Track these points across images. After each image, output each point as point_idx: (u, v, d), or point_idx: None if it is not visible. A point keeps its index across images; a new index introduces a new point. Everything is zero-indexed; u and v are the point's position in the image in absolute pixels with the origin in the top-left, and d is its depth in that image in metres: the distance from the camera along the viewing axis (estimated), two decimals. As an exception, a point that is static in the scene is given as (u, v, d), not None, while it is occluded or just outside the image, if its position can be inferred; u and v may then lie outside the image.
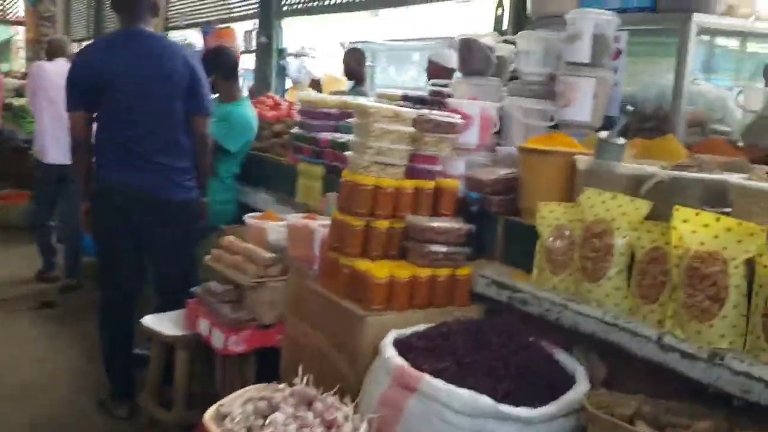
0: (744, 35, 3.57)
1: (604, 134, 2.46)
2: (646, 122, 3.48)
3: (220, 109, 4.62)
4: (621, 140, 2.45)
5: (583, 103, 3.31)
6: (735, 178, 2.08)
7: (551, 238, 2.49)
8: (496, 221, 2.84)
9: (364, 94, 5.79)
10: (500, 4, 6.18)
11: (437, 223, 2.68)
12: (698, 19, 3.18)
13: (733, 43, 3.77)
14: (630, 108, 2.48)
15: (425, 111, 2.81)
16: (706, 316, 1.96)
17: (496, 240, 2.85)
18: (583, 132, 3.32)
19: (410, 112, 2.78)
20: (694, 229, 2.02)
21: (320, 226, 2.92)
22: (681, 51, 3.21)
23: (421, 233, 2.67)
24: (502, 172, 2.88)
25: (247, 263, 3.23)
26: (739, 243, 1.93)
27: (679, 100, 3.25)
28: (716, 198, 2.20)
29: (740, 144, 3.51)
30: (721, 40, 3.79)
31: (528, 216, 2.74)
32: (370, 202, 2.70)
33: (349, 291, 2.63)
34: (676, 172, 2.23)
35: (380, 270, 2.56)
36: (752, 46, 3.73)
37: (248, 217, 3.58)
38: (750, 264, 1.92)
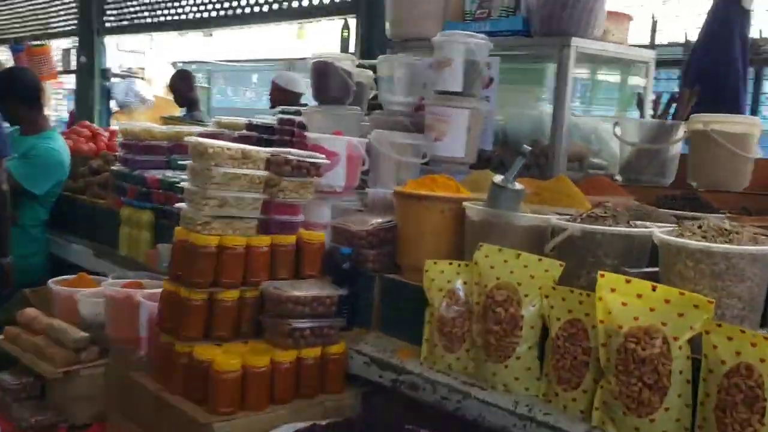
0: (619, 62, 3.39)
1: (498, 178, 2.07)
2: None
3: (21, 142, 3.79)
4: (518, 185, 2.06)
5: (455, 136, 2.94)
6: (665, 233, 1.75)
7: (444, 305, 2.05)
8: (373, 281, 2.36)
9: (199, 121, 5.13)
10: (346, 26, 5.79)
11: (302, 291, 2.15)
12: (577, 43, 2.92)
13: (605, 70, 3.62)
14: (527, 147, 2.09)
15: (281, 150, 2.27)
16: (645, 409, 1.59)
17: (374, 304, 2.36)
18: (458, 169, 2.95)
19: (262, 151, 2.24)
20: (624, 300, 1.65)
21: (147, 297, 2.28)
22: (560, 78, 2.94)
23: (282, 305, 2.12)
24: (377, 220, 2.41)
25: (52, 346, 2.50)
26: (681, 317, 1.58)
27: (560, 132, 2.97)
28: (637, 256, 1.87)
29: (618, 178, 3.31)
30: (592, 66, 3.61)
31: (411, 274, 2.28)
32: (212, 267, 2.12)
33: (188, 388, 2.03)
34: (591, 226, 1.87)
35: (229, 359, 1.98)
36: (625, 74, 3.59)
37: (54, 282, 2.82)
38: (695, 343, 1.58)
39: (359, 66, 3.50)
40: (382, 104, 3.34)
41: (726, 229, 1.69)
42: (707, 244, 1.63)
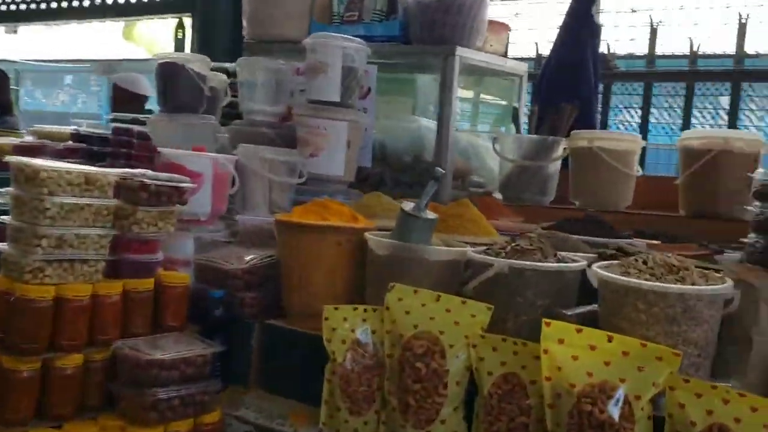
0: (496, 75, 3.25)
1: (408, 205, 1.78)
2: (403, 175, 2.93)
3: None
4: (431, 214, 1.79)
5: (334, 152, 2.63)
6: (607, 270, 1.55)
7: (348, 359, 1.71)
8: (252, 329, 1.97)
9: (13, 128, 4.36)
10: (181, 26, 5.26)
11: (167, 352, 1.72)
12: (461, 53, 2.72)
13: (482, 83, 3.47)
14: (440, 170, 1.81)
15: (135, 172, 1.82)
16: (604, 481, 1.36)
17: (253, 357, 1.97)
18: (336, 189, 2.64)
19: (110, 174, 1.77)
20: (575, 352, 1.42)
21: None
22: (444, 90, 2.72)
23: (141, 370, 1.68)
24: (253, 255, 2.02)
25: None
26: (641, 372, 1.37)
27: (445, 148, 2.75)
28: (567, 294, 1.66)
29: (497, 197, 3.17)
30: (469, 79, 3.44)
31: (300, 320, 1.93)
32: (47, 327, 1.63)
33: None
34: (520, 262, 1.63)
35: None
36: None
37: None
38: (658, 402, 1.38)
39: (213, 69, 3.08)
40: (242, 113, 2.94)
41: (674, 266, 1.52)
42: (662, 284, 1.44)
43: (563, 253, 1.76)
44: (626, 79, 4.96)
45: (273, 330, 1.97)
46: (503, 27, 3.17)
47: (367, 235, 1.86)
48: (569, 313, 1.59)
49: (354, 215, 1.97)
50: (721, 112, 4.28)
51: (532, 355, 1.52)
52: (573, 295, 1.69)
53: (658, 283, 1.45)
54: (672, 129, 5.15)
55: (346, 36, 2.66)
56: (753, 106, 4.63)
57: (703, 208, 2.57)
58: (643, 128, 4.70)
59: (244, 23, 3.24)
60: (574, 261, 1.69)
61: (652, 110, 4.48)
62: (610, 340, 1.41)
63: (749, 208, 1.72)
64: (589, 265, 1.65)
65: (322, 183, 2.63)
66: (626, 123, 5.21)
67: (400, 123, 3.21)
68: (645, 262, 1.54)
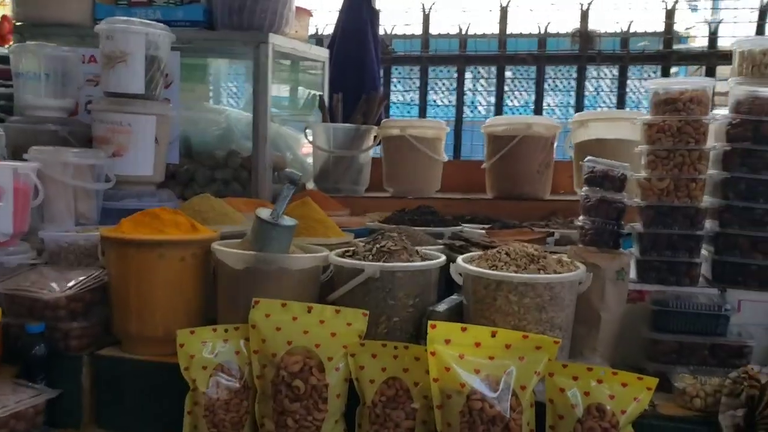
0: (304, 60, 3.16)
1: (264, 212, 1.65)
2: (217, 171, 2.74)
3: None
4: (289, 220, 1.68)
5: (141, 150, 2.39)
6: (474, 264, 1.58)
7: (212, 386, 1.56)
8: (80, 364, 1.72)
9: None
10: None
11: (-10, 409, 1.42)
12: (274, 40, 2.60)
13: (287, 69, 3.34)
14: (296, 173, 1.70)
15: None
16: (497, 471, 1.40)
17: (84, 395, 1.72)
18: (145, 191, 2.39)
19: None
20: (462, 351, 1.43)
21: None
22: (259, 79, 2.59)
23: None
24: (73, 279, 1.76)
25: None
26: (523, 362, 1.42)
27: (263, 141, 2.62)
28: (430, 290, 1.68)
29: (312, 187, 3.11)
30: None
31: (141, 347, 1.72)
32: None
33: None
34: (391, 264, 1.60)
35: None
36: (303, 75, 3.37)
37: None
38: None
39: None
40: (20, 109, 2.53)
41: (534, 255, 1.59)
42: (533, 276, 1.51)
43: (422, 249, 1.77)
44: (403, 63, 5.15)
45: (107, 362, 1.73)
46: (305, 12, 3.10)
47: (215, 247, 1.70)
48: (440, 309, 1.60)
49: (193, 225, 1.79)
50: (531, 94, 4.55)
51: (412, 357, 1.51)
52: (435, 289, 1.70)
53: (529, 275, 1.51)
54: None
55: (146, 21, 2.40)
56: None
57: (510, 189, 2.75)
58: (422, 109, 4.92)
59: (11, 2, 2.78)
60: (436, 257, 1.71)
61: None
62: (493, 335, 1.44)
63: (580, 192, 1.86)
64: (453, 261, 1.68)
65: (129, 186, 2.37)
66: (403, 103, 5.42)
67: (205, 114, 3.00)
68: (508, 254, 1.59)
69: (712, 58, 3.62)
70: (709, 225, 1.75)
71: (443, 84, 5.47)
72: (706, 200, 1.74)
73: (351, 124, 2.99)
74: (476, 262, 1.63)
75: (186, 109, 2.95)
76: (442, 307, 1.62)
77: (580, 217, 1.86)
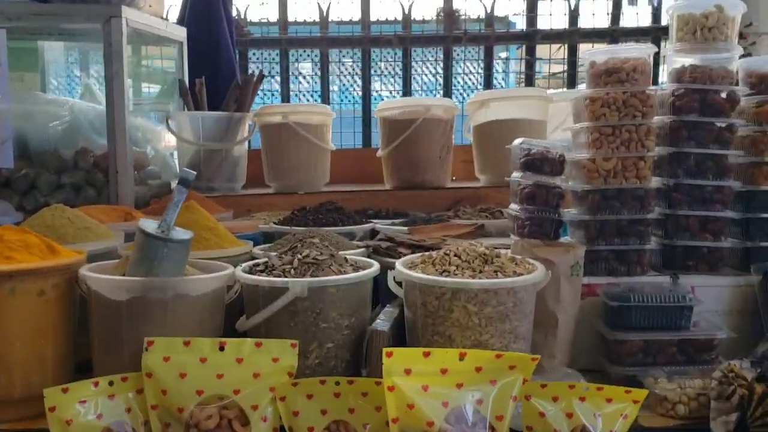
0: (156, 41, 2.72)
1: (149, 225, 1.28)
2: (65, 175, 2.27)
3: None
4: (182, 232, 1.33)
5: (-35, 153, 1.90)
6: (414, 270, 1.32)
7: (96, 461, 1.19)
8: None
9: None
10: None
11: None
12: (128, 15, 2.18)
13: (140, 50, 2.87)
14: (190, 172, 1.33)
15: None
16: None
17: None
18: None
19: None
20: (425, 381, 1.17)
21: None
22: (112, 62, 2.16)
23: None
24: None
25: None
26: (494, 387, 1.19)
27: (121, 135, 2.20)
28: (364, 305, 1.41)
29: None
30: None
31: (-10, 416, 1.30)
32: None
33: None
34: (323, 278, 1.31)
35: None
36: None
37: None
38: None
39: None
40: None
41: (486, 255, 1.37)
42: (495, 281, 1.28)
43: (350, 256, 1.48)
44: (261, 46, 4.79)
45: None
46: (161, -16, 2.68)
47: (86, 273, 1.31)
48: (383, 328, 1.33)
49: (49, 245, 1.38)
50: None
51: (358, 393, 1.23)
52: (369, 303, 1.43)
53: (491, 280, 1.28)
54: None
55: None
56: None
57: (410, 178, 2.53)
58: (285, 97, 4.58)
59: None
60: (369, 265, 1.43)
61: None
62: (462, 357, 1.19)
63: (513, 178, 1.66)
64: (390, 268, 1.41)
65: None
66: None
67: (42, 107, 2.49)
68: (458, 256, 1.35)
69: (574, 36, 3.63)
70: (656, 207, 1.61)
71: (304, 68, 5.15)
72: (654, 181, 1.59)
73: (222, 111, 2.62)
74: (421, 267, 1.37)
75: (15, 101, 2.44)
76: (384, 325, 1.35)
77: (513, 206, 1.67)
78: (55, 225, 1.60)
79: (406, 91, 3.78)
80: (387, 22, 4.60)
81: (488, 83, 3.75)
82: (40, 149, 2.34)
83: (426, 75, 4.74)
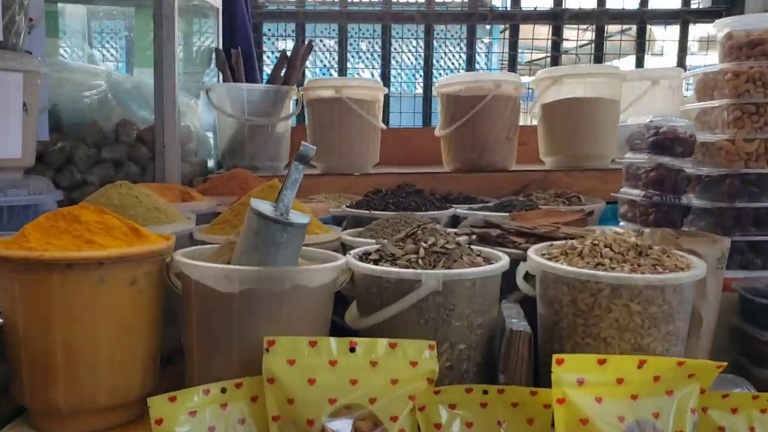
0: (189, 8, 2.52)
1: (263, 204, 1.10)
2: (105, 149, 2.07)
3: None
4: (299, 215, 1.15)
5: (5, 121, 1.70)
6: (575, 266, 1.16)
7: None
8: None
9: None
10: None
11: None
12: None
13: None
14: (309, 146, 1.14)
15: None
16: None
17: None
18: (16, 182, 1.73)
19: None
20: (599, 393, 1.02)
21: None
22: (162, 24, 1.97)
23: None
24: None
25: None
26: (670, 398, 1.04)
27: (170, 109, 2.01)
28: (494, 302, 1.25)
29: (211, 164, 2.53)
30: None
31: (73, 423, 1.13)
32: None
33: None
34: (455, 271, 1.14)
35: None
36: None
37: None
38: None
39: None
40: None
41: (639, 246, 1.21)
42: (661, 276, 1.13)
43: (476, 247, 1.33)
44: (277, 19, 4.58)
45: (14, 450, 1.12)
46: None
47: (186, 261, 1.14)
48: (525, 328, 1.17)
49: (133, 228, 1.20)
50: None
51: (508, 404, 1.07)
52: (497, 299, 1.27)
53: (658, 276, 1.12)
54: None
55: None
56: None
57: (475, 160, 2.37)
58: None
59: None
60: (497, 257, 1.27)
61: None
62: (640, 365, 1.04)
63: (631, 160, 1.51)
64: (522, 260, 1.26)
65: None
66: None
67: (70, 74, 2.28)
68: (609, 247, 1.20)
69: (602, 16, 3.49)
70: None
71: (324, 45, 4.95)
72: (799, 165, 1.45)
73: (271, 84, 2.44)
74: (561, 258, 1.21)
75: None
76: (523, 324, 1.19)
77: (630, 191, 1.52)
78: (123, 204, 1.41)
79: (427, 71, 3.60)
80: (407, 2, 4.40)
81: (513, 64, 3.60)
82: (72, 121, 2.14)
83: (451, 54, 4.57)
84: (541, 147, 2.49)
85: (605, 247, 1.20)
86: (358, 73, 3.83)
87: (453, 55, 4.02)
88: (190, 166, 2.28)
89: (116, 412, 1.14)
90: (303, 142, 1.14)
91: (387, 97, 3.16)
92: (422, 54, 3.33)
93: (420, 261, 1.18)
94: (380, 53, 3.45)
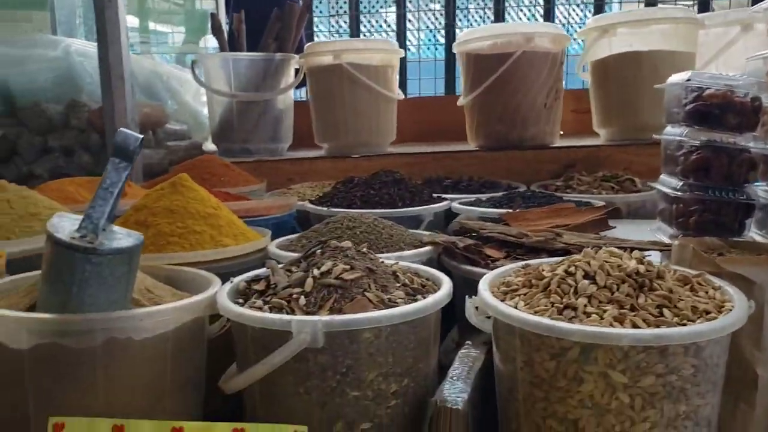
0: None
1: (64, 222, 0.80)
2: (53, 136, 1.84)
3: None
4: (129, 236, 0.83)
5: None
6: (523, 303, 0.78)
7: None
8: None
9: None
10: None
11: None
12: None
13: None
14: (132, 135, 0.83)
15: None
16: None
17: None
18: None
19: None
20: None
21: None
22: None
23: None
24: None
25: None
26: None
27: (118, 84, 1.74)
28: (424, 350, 0.89)
29: (209, 149, 2.25)
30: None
31: None
32: None
33: None
34: (344, 318, 0.79)
35: None
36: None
37: None
38: None
39: None
40: None
41: (639, 272, 0.81)
42: (661, 331, 0.73)
43: (405, 264, 0.96)
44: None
45: None
46: None
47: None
48: (457, 404, 0.80)
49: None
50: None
51: None
52: (434, 350, 0.91)
53: (652, 331, 0.72)
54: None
55: None
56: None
57: (506, 134, 1.96)
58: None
59: None
60: (438, 283, 0.91)
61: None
62: None
63: (668, 135, 1.09)
64: (471, 284, 0.88)
65: None
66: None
67: (31, 50, 2.05)
68: (591, 277, 0.80)
69: None
70: None
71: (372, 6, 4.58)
72: None
73: (261, 52, 2.12)
74: (524, 294, 0.83)
75: (5, 44, 2.03)
76: (458, 394, 0.82)
77: (668, 180, 1.10)
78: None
79: (449, 30, 3.13)
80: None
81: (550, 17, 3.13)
82: (28, 104, 1.91)
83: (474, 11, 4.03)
84: (594, 116, 2.05)
85: (585, 278, 0.80)
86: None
87: (478, 11, 3.55)
88: (168, 151, 2.01)
89: None
90: (120, 129, 0.82)
91: (404, 62, 2.78)
92: (443, 11, 2.90)
93: (302, 299, 0.83)
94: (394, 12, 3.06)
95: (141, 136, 0.83)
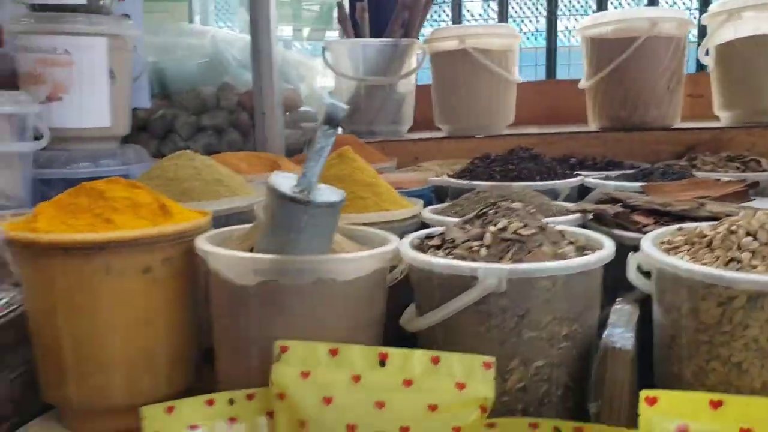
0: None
1: (282, 179, 0.94)
2: (206, 116, 2.02)
3: None
4: (329, 191, 0.96)
5: (89, 89, 1.68)
6: (688, 257, 0.87)
7: None
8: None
9: None
10: None
11: None
12: None
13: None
14: (338, 105, 0.96)
15: None
16: None
17: None
18: (105, 152, 1.70)
19: None
20: None
21: None
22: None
23: None
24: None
25: None
26: None
27: (268, 69, 1.90)
28: (591, 304, 0.98)
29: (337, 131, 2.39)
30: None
31: (90, 423, 1.05)
32: None
33: None
34: (526, 266, 0.90)
35: None
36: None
37: None
38: None
39: None
40: None
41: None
42: None
43: (562, 227, 1.06)
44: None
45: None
46: None
47: (202, 246, 1.00)
48: (626, 345, 0.90)
49: (162, 205, 1.08)
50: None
51: (587, 445, 0.82)
52: (599, 302, 1.00)
53: None
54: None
55: None
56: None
57: (628, 117, 2.02)
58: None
59: None
60: (598, 244, 1.01)
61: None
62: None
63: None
64: (630, 247, 0.98)
65: (76, 143, 1.68)
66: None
67: (179, 38, 2.25)
68: (753, 235, 0.88)
69: None
70: None
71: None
72: None
73: (387, 38, 2.25)
74: (687, 250, 0.92)
75: (152, 33, 2.22)
76: (625, 338, 0.92)
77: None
78: (178, 177, 1.31)
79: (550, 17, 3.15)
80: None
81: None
82: (181, 87, 2.10)
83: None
84: (716, 99, 2.08)
85: (747, 235, 0.89)
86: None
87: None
88: (302, 133, 2.17)
89: (137, 412, 1.03)
90: (329, 99, 0.95)
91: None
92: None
93: (483, 250, 0.94)
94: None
95: (347, 107, 0.96)
